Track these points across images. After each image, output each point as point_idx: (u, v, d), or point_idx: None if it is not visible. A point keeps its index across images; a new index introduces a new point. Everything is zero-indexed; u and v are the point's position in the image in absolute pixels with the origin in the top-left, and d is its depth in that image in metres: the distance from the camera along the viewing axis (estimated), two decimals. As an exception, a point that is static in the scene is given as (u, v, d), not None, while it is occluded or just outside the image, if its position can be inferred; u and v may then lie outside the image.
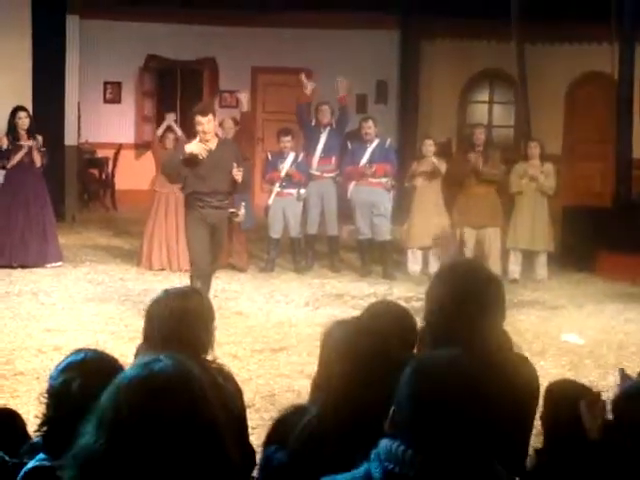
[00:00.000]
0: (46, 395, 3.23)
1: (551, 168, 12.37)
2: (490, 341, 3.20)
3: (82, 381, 3.16)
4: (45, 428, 3.20)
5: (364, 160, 12.32)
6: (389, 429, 2.44)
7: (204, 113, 9.03)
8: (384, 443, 2.41)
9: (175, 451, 2.30)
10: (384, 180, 12.32)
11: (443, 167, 12.37)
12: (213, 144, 9.07)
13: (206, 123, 8.95)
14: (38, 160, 12.06)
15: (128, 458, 2.29)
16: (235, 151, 9.46)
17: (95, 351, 3.35)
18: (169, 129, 12.71)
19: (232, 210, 9.25)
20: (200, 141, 9.05)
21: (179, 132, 12.69)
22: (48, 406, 3.22)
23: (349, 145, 12.61)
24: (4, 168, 12.19)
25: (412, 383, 2.43)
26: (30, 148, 11.99)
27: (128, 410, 2.32)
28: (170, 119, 12.91)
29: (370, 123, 12.46)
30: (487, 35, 17.33)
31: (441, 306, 3.22)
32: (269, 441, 3.37)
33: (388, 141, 12.78)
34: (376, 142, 12.43)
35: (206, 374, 3.32)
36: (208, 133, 9.01)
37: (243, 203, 9.45)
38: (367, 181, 12.30)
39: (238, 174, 8.99)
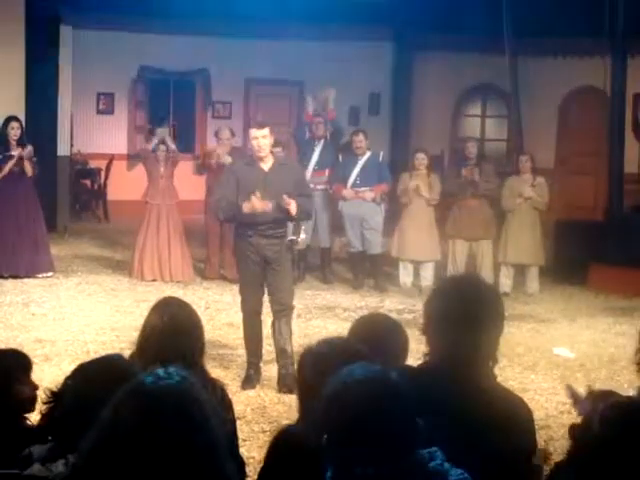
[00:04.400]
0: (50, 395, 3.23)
1: (543, 182, 12.37)
2: (486, 356, 3.20)
3: (76, 387, 3.15)
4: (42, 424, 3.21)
5: (354, 173, 12.32)
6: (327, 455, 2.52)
7: (260, 126, 8.08)
8: (332, 469, 2.53)
9: (173, 469, 2.29)
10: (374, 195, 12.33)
11: (437, 187, 12.36)
12: (268, 164, 8.04)
13: (261, 137, 7.92)
14: (29, 170, 12.04)
15: (123, 474, 2.29)
16: (296, 173, 8.45)
17: (107, 360, 3.29)
18: (162, 142, 12.66)
19: (291, 238, 8.15)
20: (255, 157, 8.05)
21: (172, 146, 12.65)
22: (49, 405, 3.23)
23: (340, 158, 12.62)
24: (-5, 178, 12.17)
25: (330, 412, 2.56)
26: (18, 157, 11.96)
27: (126, 425, 2.32)
28: (162, 134, 12.82)
29: (361, 137, 12.46)
30: (480, 49, 17.36)
31: (439, 320, 3.22)
32: (266, 464, 3.36)
33: (381, 155, 12.77)
34: (367, 155, 12.43)
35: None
36: (263, 150, 7.96)
37: (303, 227, 8.39)
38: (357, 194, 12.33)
39: (288, 204, 7.87)
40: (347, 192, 12.31)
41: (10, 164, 11.96)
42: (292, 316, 8.33)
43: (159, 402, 2.34)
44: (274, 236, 7.99)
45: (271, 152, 8.20)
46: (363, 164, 12.36)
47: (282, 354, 8.06)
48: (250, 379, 8.03)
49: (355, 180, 12.34)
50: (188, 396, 2.39)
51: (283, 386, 7.86)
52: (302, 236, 8.37)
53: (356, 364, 2.76)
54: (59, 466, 2.90)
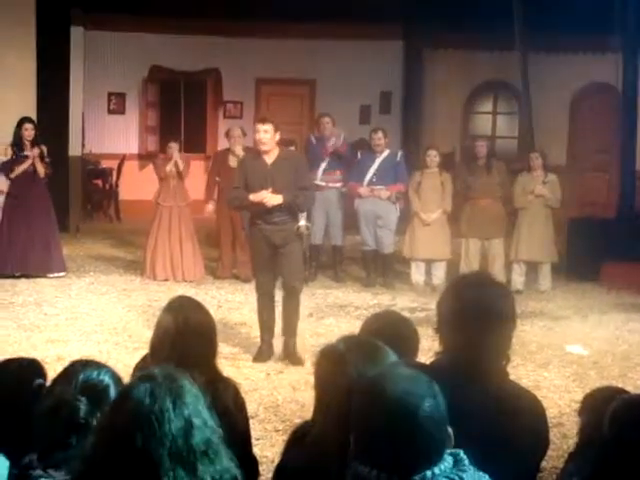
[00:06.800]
0: None
1: (555, 179, 12.35)
2: (499, 354, 3.19)
3: None
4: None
5: (372, 171, 12.30)
6: (354, 455, 2.44)
7: (262, 121, 8.66)
8: (359, 469, 2.41)
9: (170, 469, 2.31)
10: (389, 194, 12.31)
11: (449, 188, 12.33)
12: (271, 158, 8.63)
13: (262, 132, 8.53)
14: (42, 170, 12.09)
15: (124, 476, 2.31)
16: (297, 165, 8.90)
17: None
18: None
19: (298, 225, 8.69)
20: (260, 150, 8.66)
21: (181, 166, 12.51)
22: None
23: (359, 154, 12.60)
24: (9, 178, 12.22)
25: (363, 408, 2.44)
26: (33, 158, 12.02)
27: (121, 429, 2.34)
28: (173, 149, 12.71)
29: (380, 134, 12.44)
30: (491, 46, 17.34)
31: (451, 319, 3.21)
32: (282, 460, 3.35)
33: (399, 154, 12.67)
34: (386, 153, 12.42)
35: (209, 386, 3.33)
36: (263, 144, 8.56)
37: (303, 214, 8.86)
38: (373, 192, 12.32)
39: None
40: (362, 189, 12.30)
41: (24, 165, 12.03)
42: (300, 297, 8.96)
43: (151, 405, 2.36)
44: (280, 223, 8.63)
45: (280, 147, 8.83)
46: (381, 162, 12.34)
47: (287, 329, 8.80)
48: (262, 353, 8.75)
49: (372, 178, 12.33)
50: (181, 397, 2.40)
51: (285, 357, 8.72)
52: (302, 222, 8.79)
53: (390, 363, 2.71)
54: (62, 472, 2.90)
